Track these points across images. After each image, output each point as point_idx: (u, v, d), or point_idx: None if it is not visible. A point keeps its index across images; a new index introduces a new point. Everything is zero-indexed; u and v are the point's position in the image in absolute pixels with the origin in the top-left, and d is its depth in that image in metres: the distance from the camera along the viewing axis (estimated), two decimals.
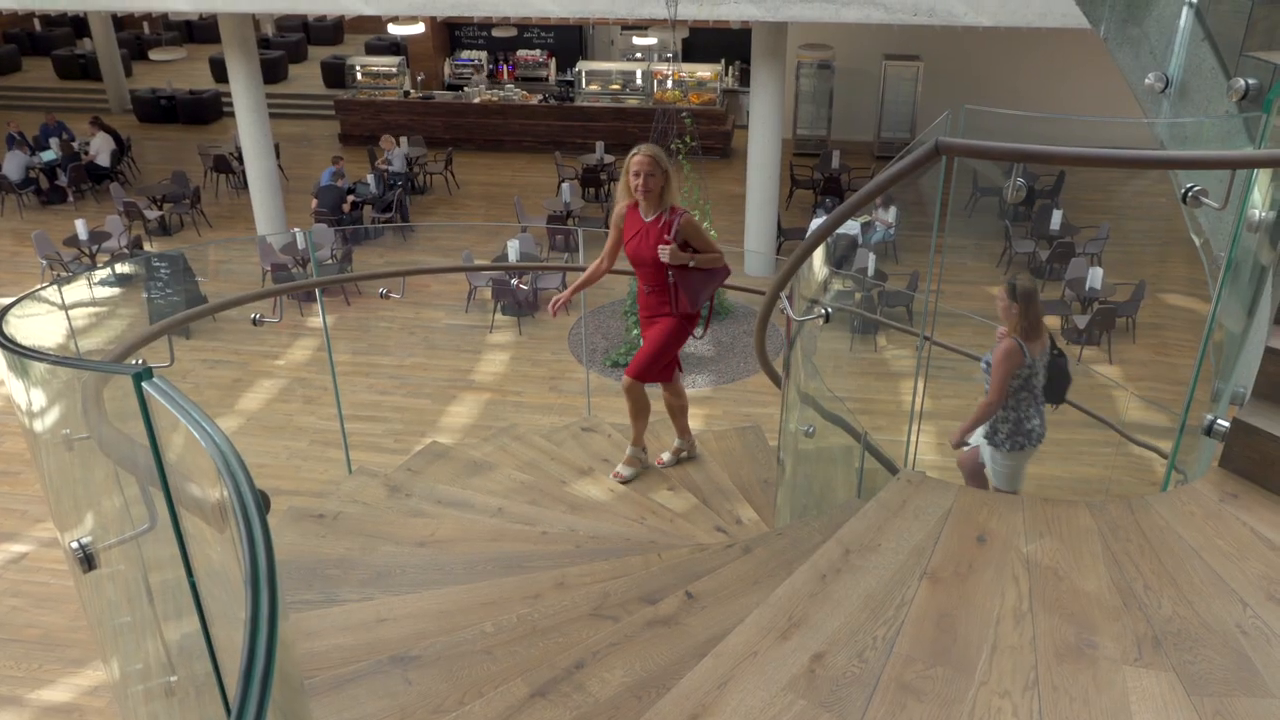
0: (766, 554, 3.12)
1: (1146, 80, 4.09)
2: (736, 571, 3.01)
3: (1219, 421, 2.82)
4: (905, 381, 8.02)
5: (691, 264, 4.66)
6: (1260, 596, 2.36)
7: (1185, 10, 3.97)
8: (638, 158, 4.57)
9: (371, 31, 23.26)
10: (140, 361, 4.07)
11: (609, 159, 16.28)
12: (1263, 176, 2.98)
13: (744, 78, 18.53)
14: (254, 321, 5.31)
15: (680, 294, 4.75)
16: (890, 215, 13.27)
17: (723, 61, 19.13)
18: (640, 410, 5.04)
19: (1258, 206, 3.02)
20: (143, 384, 1.42)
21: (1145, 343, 11.54)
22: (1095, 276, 11.55)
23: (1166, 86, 3.97)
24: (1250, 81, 3.43)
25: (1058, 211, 13.56)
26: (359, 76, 19.08)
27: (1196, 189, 2.84)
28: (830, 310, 3.94)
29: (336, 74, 20.56)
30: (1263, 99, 3.32)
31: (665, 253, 4.56)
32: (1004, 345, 4.75)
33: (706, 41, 19.50)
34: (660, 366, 4.90)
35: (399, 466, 5.32)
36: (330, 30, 24.40)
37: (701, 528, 4.64)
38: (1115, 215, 14.61)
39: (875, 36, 16.27)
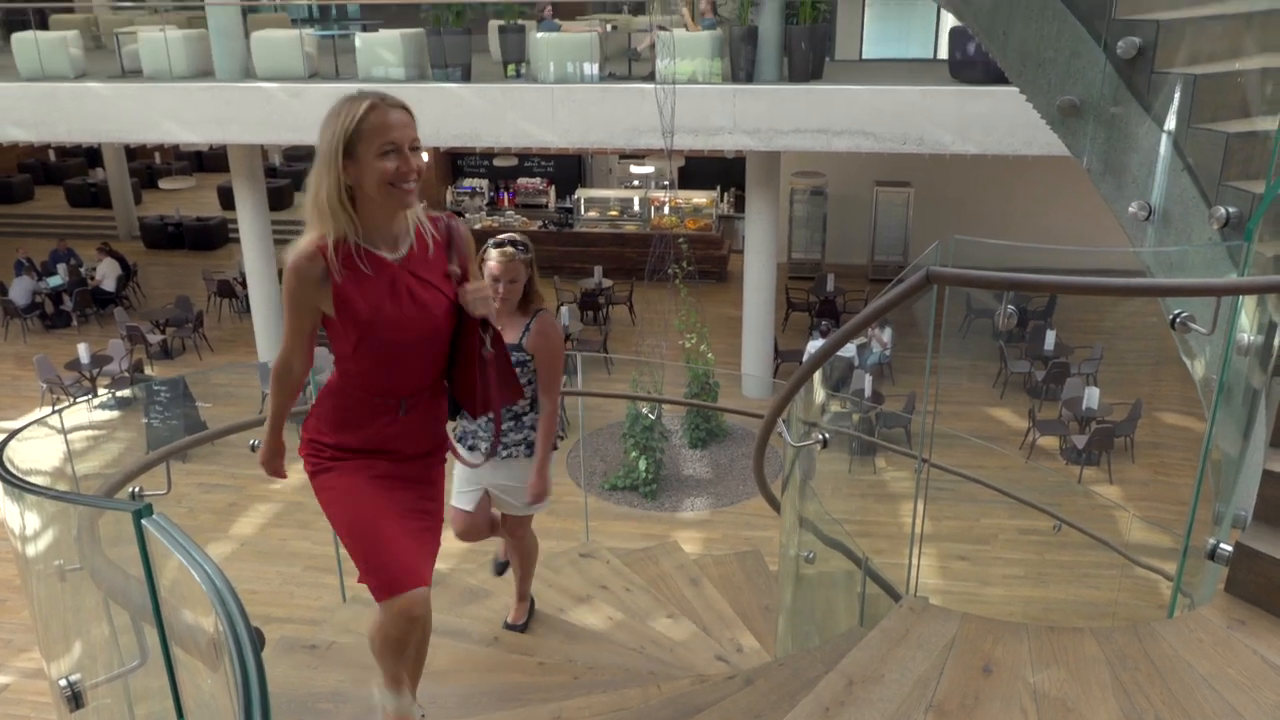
0: (768, 685, 3.05)
1: (1130, 209, 4.20)
2: (738, 704, 2.94)
3: (1222, 545, 2.80)
4: (905, 503, 7.98)
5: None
6: None
7: (1164, 140, 4.11)
8: (384, 111, 2.40)
9: None
10: (139, 490, 4.06)
11: (607, 283, 16.53)
12: (1249, 301, 3.04)
13: (739, 204, 18.99)
14: (252, 447, 5.30)
15: (500, 378, 2.75)
16: (886, 336, 13.42)
17: (718, 188, 19.66)
18: (418, 654, 3.09)
19: (1246, 330, 3.07)
20: (142, 521, 1.43)
21: (1144, 462, 11.51)
22: (1092, 396, 11.61)
23: (1150, 215, 4.08)
24: (1231, 210, 3.53)
25: (1051, 332, 13.71)
26: None
27: (1184, 315, 2.89)
28: (827, 436, 3.95)
29: None
30: (1244, 227, 3.41)
31: (480, 296, 2.61)
32: (554, 323, 3.91)
33: (702, 169, 20.05)
34: None
35: None
36: None
37: (702, 657, 4.55)
38: (1108, 335, 14.77)
39: (866, 163, 16.73)
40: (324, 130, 2.42)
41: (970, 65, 11.67)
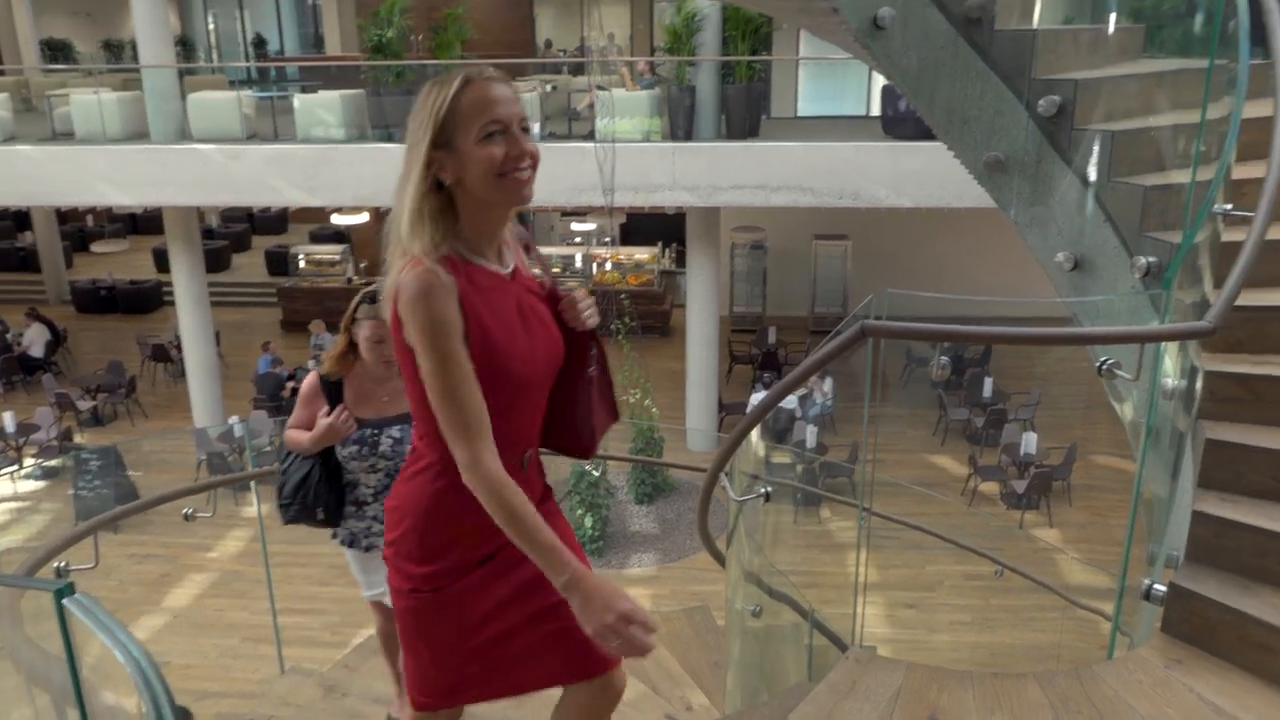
0: None
1: (1056, 258, 4.32)
2: None
3: (1156, 586, 2.85)
4: (851, 553, 8.00)
5: None
6: None
7: (1086, 193, 4.25)
8: (484, 85, 1.89)
9: (316, 221, 23.77)
10: (65, 564, 3.92)
11: None
12: (1171, 347, 3.13)
13: (680, 259, 19.15)
14: (185, 517, 5.16)
15: (602, 396, 2.26)
16: (827, 386, 13.56)
17: (659, 244, 19.84)
18: None
19: (1170, 375, 3.15)
20: (63, 600, 1.38)
21: (1081, 505, 11.71)
22: (1029, 441, 11.81)
23: (1075, 265, 4.20)
24: (1151, 259, 3.65)
25: (989, 379, 13.97)
26: (302, 264, 19.38)
27: (1111, 362, 2.97)
28: (770, 489, 3.96)
29: (280, 262, 20.87)
30: (1163, 276, 3.53)
31: (589, 305, 2.14)
32: None
33: (643, 225, 20.25)
34: None
35: (336, 663, 5.10)
36: (275, 220, 24.89)
37: (651, 717, 4.48)
38: (1042, 381, 15.09)
39: (804, 218, 17.04)
40: (410, 125, 1.89)
41: (902, 121, 12.00)
